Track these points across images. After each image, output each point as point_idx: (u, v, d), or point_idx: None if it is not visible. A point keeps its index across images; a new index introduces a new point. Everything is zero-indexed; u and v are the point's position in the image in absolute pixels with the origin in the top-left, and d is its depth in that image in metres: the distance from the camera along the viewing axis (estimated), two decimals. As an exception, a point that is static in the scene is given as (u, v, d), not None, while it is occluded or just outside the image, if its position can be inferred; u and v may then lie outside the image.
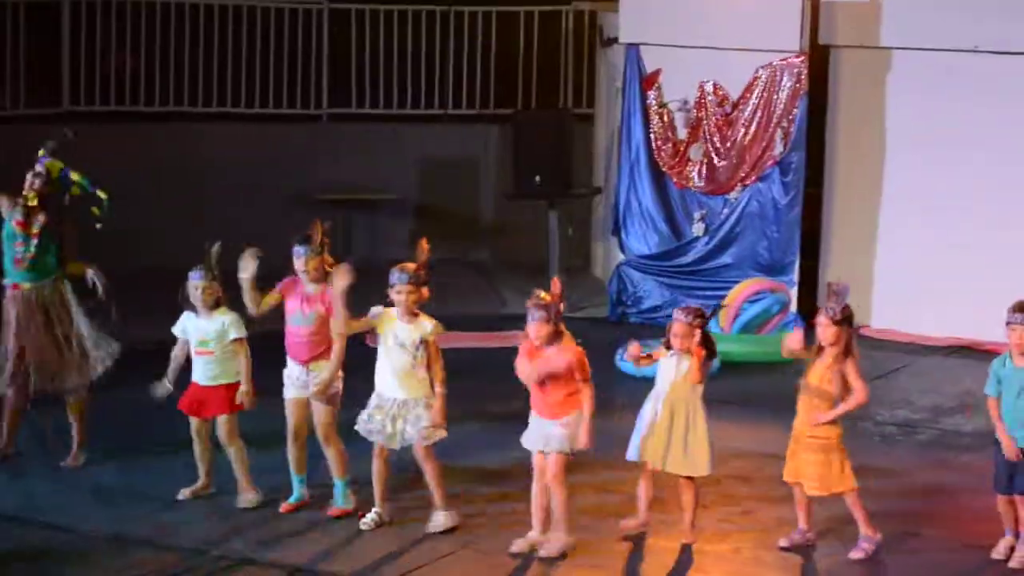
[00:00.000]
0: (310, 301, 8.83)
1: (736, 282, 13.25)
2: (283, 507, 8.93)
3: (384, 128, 16.56)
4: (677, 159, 14.18)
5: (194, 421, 9.09)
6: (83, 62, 15.82)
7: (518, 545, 8.34)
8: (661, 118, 14.22)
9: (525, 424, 8.46)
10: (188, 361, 9.09)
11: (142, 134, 15.69)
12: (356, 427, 8.61)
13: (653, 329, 13.30)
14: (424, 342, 8.47)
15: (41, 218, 9.48)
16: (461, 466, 9.49)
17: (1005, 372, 8.23)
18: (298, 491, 9.00)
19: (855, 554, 8.28)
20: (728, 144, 13.95)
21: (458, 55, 16.74)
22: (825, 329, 8.16)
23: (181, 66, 16.11)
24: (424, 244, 8.69)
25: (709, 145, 14.03)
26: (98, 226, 9.63)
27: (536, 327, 8.22)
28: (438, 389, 8.49)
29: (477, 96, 16.84)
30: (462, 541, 8.53)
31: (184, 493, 9.12)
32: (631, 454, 8.61)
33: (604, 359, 11.92)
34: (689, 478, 8.47)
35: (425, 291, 8.54)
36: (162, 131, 15.73)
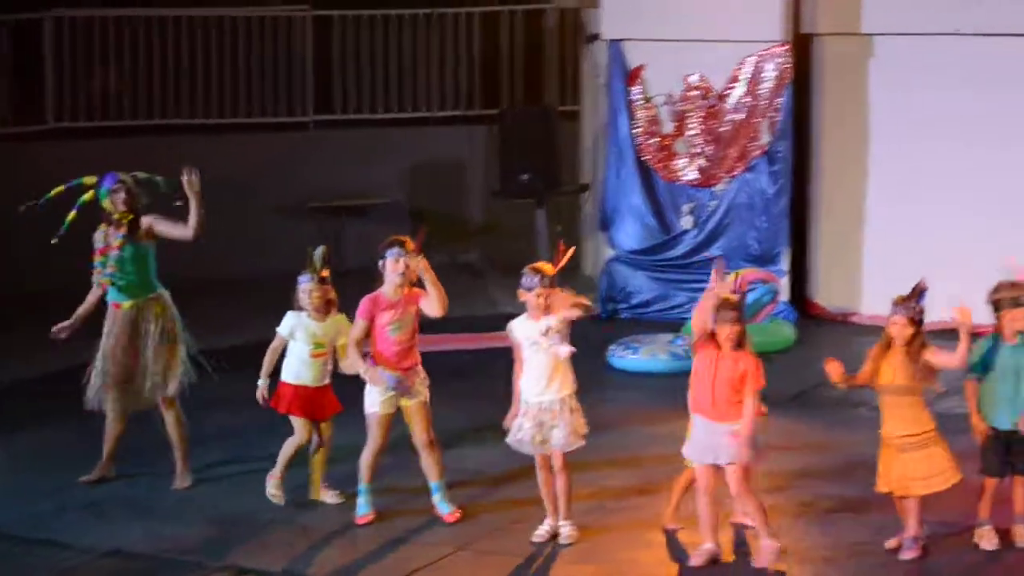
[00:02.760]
0: (404, 305, 8.72)
1: (726, 273, 13.24)
2: (361, 519, 8.83)
3: (371, 133, 16.57)
4: (663, 153, 14.20)
5: (303, 424, 9.01)
6: (67, 78, 15.83)
7: (698, 558, 8.11)
8: (646, 113, 14.24)
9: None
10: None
11: (128, 149, 15.65)
12: (507, 439, 8.50)
13: (643, 324, 13.42)
14: (557, 327, 8.32)
15: (123, 230, 9.31)
16: (461, 467, 9.51)
17: (1000, 352, 8.15)
18: (369, 501, 8.91)
19: (908, 554, 8.16)
20: (714, 136, 13.97)
21: (442, 57, 16.76)
22: (903, 328, 8.02)
23: (166, 79, 16.12)
24: (563, 247, 8.64)
25: (695, 138, 14.06)
26: (179, 203, 9.42)
27: (728, 329, 8.01)
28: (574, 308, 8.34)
29: (463, 97, 16.86)
30: (460, 542, 8.55)
31: (270, 491, 9.08)
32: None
33: (596, 356, 11.95)
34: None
35: (558, 292, 8.43)
36: (148, 145, 15.71)
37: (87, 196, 9.40)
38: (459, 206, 16.68)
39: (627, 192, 14.30)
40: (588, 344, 11.79)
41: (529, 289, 8.39)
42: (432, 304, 8.68)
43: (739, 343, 8.02)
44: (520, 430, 8.41)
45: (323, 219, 16.13)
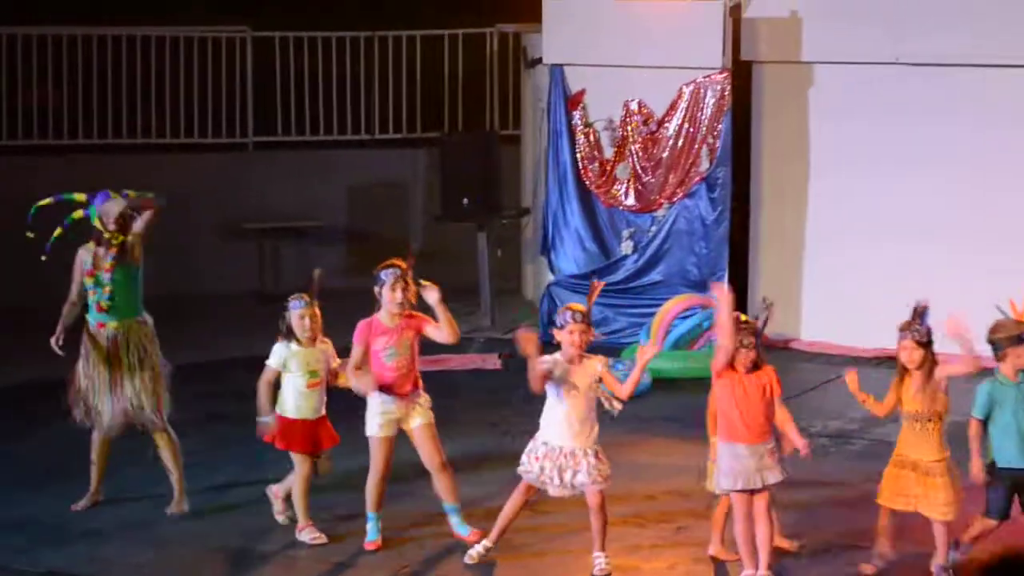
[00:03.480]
0: (399, 331, 8.58)
1: (666, 299, 13.30)
2: (369, 545, 8.67)
3: (311, 155, 16.54)
4: (604, 178, 14.24)
5: (303, 457, 8.79)
6: (3, 95, 15.70)
7: None
8: (587, 138, 14.28)
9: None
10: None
11: (66, 167, 15.57)
12: (519, 470, 8.35)
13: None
14: (598, 381, 8.20)
15: (113, 251, 9.18)
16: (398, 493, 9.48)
17: (1005, 391, 7.99)
18: (378, 528, 8.76)
19: None
20: (654, 162, 14.03)
21: (383, 80, 16.75)
22: (912, 352, 7.95)
23: (104, 98, 16.04)
24: (596, 284, 8.58)
25: (635, 163, 14.10)
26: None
27: (745, 354, 7.90)
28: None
29: (403, 120, 16.85)
30: (398, 567, 8.51)
31: (310, 537, 8.80)
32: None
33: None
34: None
35: (593, 332, 8.34)
36: (86, 163, 15.60)
37: (77, 214, 9.28)
38: (400, 229, 16.64)
39: (568, 217, 14.33)
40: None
41: (562, 327, 8.24)
42: (443, 333, 8.58)
43: (756, 364, 7.97)
44: (543, 472, 8.24)
45: (261, 240, 16.08)
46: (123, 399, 9.22)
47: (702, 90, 13.78)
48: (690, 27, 13.69)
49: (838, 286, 13.50)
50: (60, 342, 9.27)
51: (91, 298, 9.21)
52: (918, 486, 8.06)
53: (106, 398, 9.23)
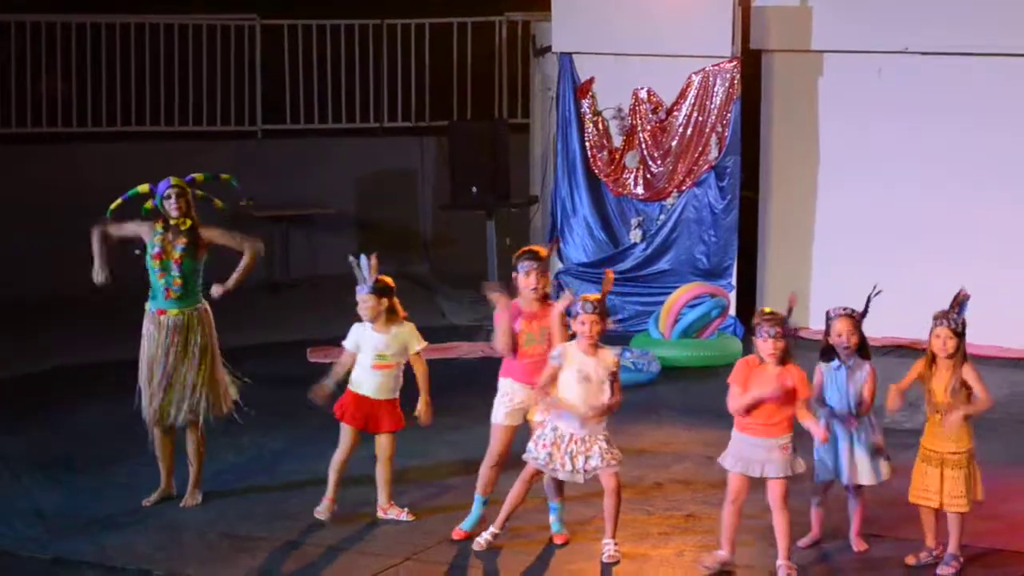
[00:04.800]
0: (538, 318, 8.51)
1: (675, 287, 13.30)
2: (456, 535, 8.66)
3: (320, 143, 16.53)
4: (613, 167, 14.23)
5: (349, 433, 8.84)
6: (13, 84, 15.70)
7: (708, 564, 8.11)
8: (596, 126, 14.27)
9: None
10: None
11: (74, 155, 15.60)
12: (524, 456, 8.37)
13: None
14: (612, 374, 8.20)
15: (182, 241, 9.13)
16: (419, 471, 9.50)
17: None
18: (480, 513, 8.73)
19: (946, 570, 8.10)
20: (663, 150, 14.01)
21: (392, 68, 16.74)
22: (947, 341, 7.93)
23: (113, 86, 16.03)
24: (609, 274, 8.56)
25: (644, 152, 14.09)
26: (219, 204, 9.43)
27: (772, 344, 7.88)
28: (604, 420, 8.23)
29: (412, 108, 16.83)
30: (409, 553, 8.51)
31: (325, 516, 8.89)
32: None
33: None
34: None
35: (608, 322, 8.29)
36: (95, 152, 15.62)
37: (142, 188, 9.23)
38: (408, 217, 16.65)
39: (576, 205, 14.33)
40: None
41: (575, 316, 8.20)
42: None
43: (783, 359, 7.94)
44: (551, 460, 8.25)
45: (270, 228, 16.08)
46: (184, 388, 9.15)
47: (711, 78, 13.76)
48: (699, 15, 13.67)
49: (847, 275, 13.45)
50: (102, 274, 9.16)
51: (158, 281, 9.13)
52: (938, 479, 8.05)
53: (163, 387, 9.15)
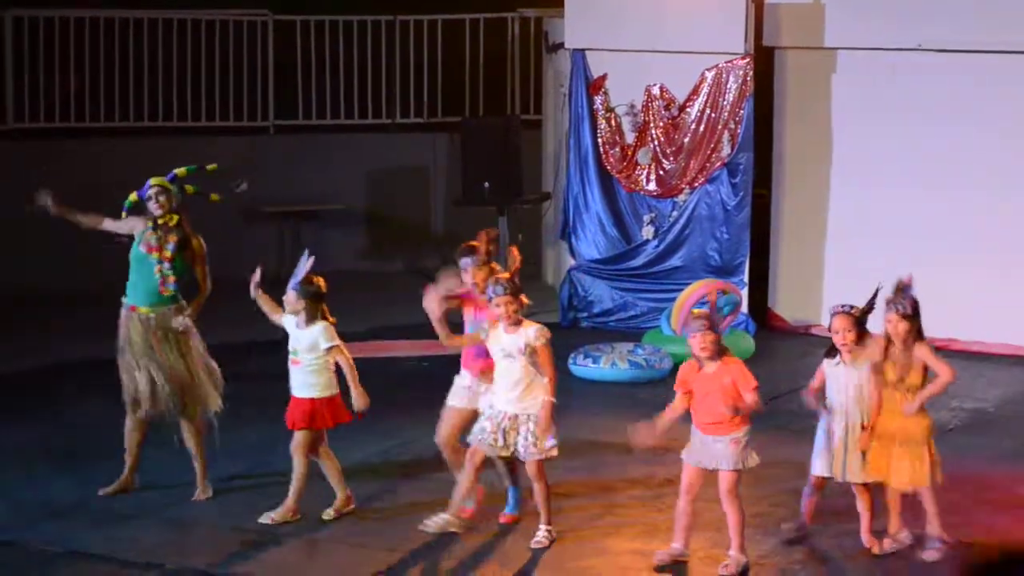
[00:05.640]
0: (483, 311, 8.62)
1: (687, 284, 13.28)
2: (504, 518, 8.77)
3: (332, 139, 16.54)
4: (625, 163, 14.21)
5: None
6: (27, 79, 15.73)
7: (660, 557, 8.20)
8: (608, 122, 14.25)
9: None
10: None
11: (89, 151, 15.61)
12: (468, 438, 8.51)
13: (604, 334, 13.42)
14: (531, 348, 8.31)
15: (173, 239, 9.20)
16: (407, 473, 9.49)
17: None
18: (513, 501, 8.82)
19: (930, 555, 8.21)
20: (675, 147, 13.99)
21: (404, 64, 16.74)
22: (897, 325, 8.18)
23: (126, 81, 16.05)
24: (515, 251, 8.63)
25: (657, 148, 14.07)
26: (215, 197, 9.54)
27: (700, 339, 8.00)
28: (545, 397, 8.34)
29: (425, 104, 16.84)
30: (418, 546, 8.51)
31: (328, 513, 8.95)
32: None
33: (558, 364, 11.92)
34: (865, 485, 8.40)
35: (524, 299, 8.38)
36: (109, 147, 15.64)
37: (132, 196, 9.30)
38: (420, 213, 16.65)
39: (589, 201, 14.31)
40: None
41: (490, 299, 8.34)
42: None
43: (716, 353, 8.02)
44: (483, 432, 8.41)
45: (281, 224, 16.10)
46: (162, 382, 9.20)
47: (724, 75, 13.74)
48: (712, 12, 13.65)
49: (859, 272, 13.41)
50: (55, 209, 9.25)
51: (155, 276, 9.16)
52: (894, 457, 8.20)
53: (145, 380, 9.20)
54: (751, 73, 13.62)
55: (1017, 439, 10.65)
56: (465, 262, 8.71)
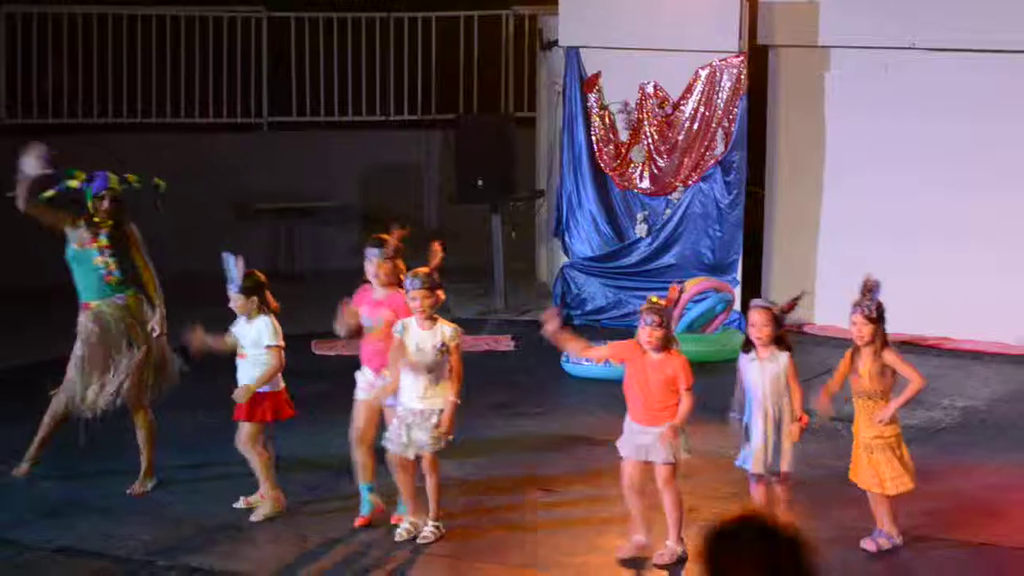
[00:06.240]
0: (377, 306, 8.71)
1: (680, 282, 13.26)
2: (358, 521, 8.75)
3: (326, 136, 16.53)
4: (619, 161, 14.21)
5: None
6: (19, 74, 15.72)
7: (625, 550, 8.23)
8: (602, 120, 14.25)
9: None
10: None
11: (81, 146, 15.57)
12: (383, 441, 8.52)
13: (597, 331, 13.42)
14: (445, 347, 8.36)
15: (106, 228, 9.24)
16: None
17: None
18: (367, 501, 8.81)
19: (868, 544, 8.26)
20: (669, 145, 14.00)
21: (399, 61, 16.73)
22: (862, 327, 8.13)
23: (119, 78, 16.04)
24: (437, 247, 8.64)
25: (650, 146, 14.07)
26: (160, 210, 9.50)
27: (650, 332, 8.06)
28: (450, 397, 8.37)
29: (419, 102, 16.83)
30: (414, 544, 8.51)
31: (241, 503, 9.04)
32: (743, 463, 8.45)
33: (549, 362, 11.96)
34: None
35: (441, 294, 8.43)
36: (102, 143, 15.60)
37: (73, 183, 9.29)
38: (414, 210, 16.63)
39: (582, 199, 14.31)
40: (542, 349, 11.81)
41: (407, 292, 8.40)
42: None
43: (662, 347, 8.06)
44: (393, 432, 8.44)
45: (275, 221, 16.09)
46: (114, 375, 9.26)
47: (718, 73, 13.74)
48: (706, 10, 13.66)
49: (852, 271, 13.40)
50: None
51: (98, 267, 9.23)
52: (860, 461, 8.25)
53: (96, 374, 9.25)
54: (745, 71, 13.63)
55: (1010, 438, 10.67)
56: (372, 252, 8.75)
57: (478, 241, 15.10)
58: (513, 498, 9.25)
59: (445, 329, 8.39)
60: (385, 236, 8.81)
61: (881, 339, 8.15)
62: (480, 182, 14.76)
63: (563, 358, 12.23)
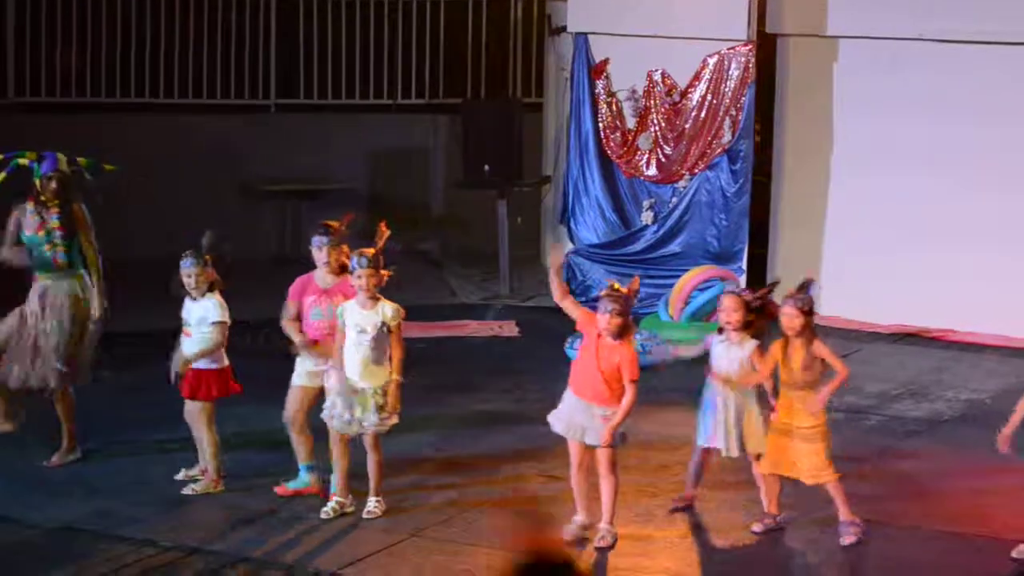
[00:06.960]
0: (329, 294, 8.75)
1: (685, 270, 13.29)
2: (279, 489, 8.90)
3: (333, 118, 16.52)
4: (626, 148, 14.21)
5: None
6: (28, 54, 15.71)
7: (569, 532, 8.26)
8: (610, 107, 14.25)
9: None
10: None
11: (89, 125, 15.58)
12: (322, 415, 8.61)
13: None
14: (386, 327, 8.43)
15: (55, 210, 9.29)
16: (415, 456, 9.51)
17: None
18: (302, 480, 8.93)
19: (847, 539, 8.31)
20: (676, 133, 13.99)
21: (407, 45, 16.72)
22: (793, 319, 8.29)
23: (127, 57, 16.04)
24: (383, 228, 8.68)
25: (657, 134, 14.07)
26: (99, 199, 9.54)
27: (608, 319, 8.12)
28: (394, 376, 8.47)
29: (426, 86, 16.82)
30: (413, 529, 8.54)
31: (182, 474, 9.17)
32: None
33: (554, 348, 11.95)
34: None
35: (385, 274, 8.49)
36: (110, 122, 15.63)
37: (23, 160, 9.37)
38: (420, 194, 16.65)
39: (588, 186, 14.31)
40: (546, 335, 11.82)
41: (351, 271, 8.47)
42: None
43: (618, 335, 8.13)
44: (334, 407, 8.51)
45: (281, 203, 16.10)
46: (41, 352, 9.31)
47: (726, 61, 13.73)
48: (715, -2, 13.65)
49: (857, 261, 13.47)
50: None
51: (46, 252, 9.30)
52: (794, 452, 8.32)
53: (28, 350, 9.31)
54: (753, 60, 13.62)
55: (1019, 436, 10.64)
56: (319, 240, 8.80)
57: (484, 226, 15.12)
58: (514, 481, 9.26)
59: (386, 309, 8.46)
60: (332, 223, 8.85)
61: (811, 331, 8.34)
62: (487, 167, 14.75)
63: (567, 344, 12.23)
